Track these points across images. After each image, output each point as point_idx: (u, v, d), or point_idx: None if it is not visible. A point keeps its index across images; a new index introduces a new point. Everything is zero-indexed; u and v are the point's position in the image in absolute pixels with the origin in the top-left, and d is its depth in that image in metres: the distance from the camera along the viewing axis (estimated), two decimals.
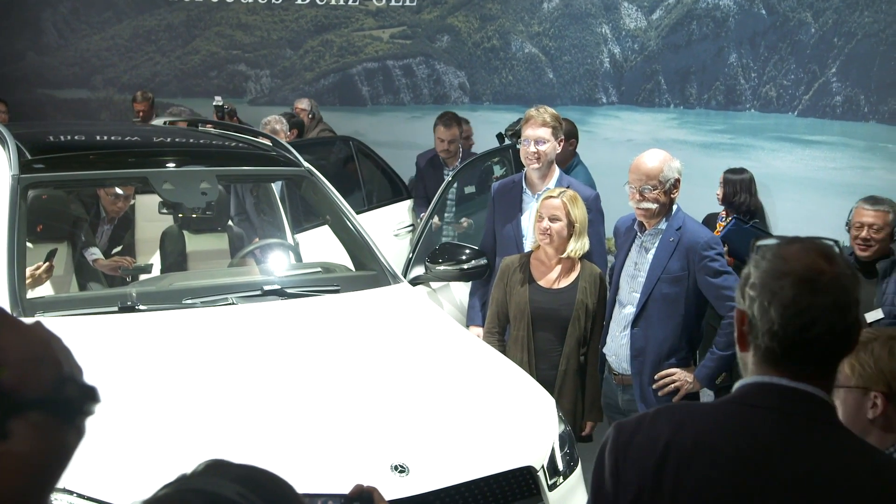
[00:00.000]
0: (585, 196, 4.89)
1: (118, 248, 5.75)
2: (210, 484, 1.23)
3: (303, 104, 8.92)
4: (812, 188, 5.77)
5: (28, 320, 1.25)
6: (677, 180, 4.11)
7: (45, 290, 4.65)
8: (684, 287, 4.12)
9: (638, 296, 4.20)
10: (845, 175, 5.76)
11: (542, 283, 4.48)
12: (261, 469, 1.31)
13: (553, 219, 4.39)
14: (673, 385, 4.17)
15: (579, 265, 4.49)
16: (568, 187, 4.90)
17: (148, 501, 1.22)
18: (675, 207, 4.18)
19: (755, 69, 6.40)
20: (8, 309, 3.78)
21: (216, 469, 1.28)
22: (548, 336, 4.45)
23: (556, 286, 4.47)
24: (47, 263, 4.53)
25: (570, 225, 4.39)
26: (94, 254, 5.34)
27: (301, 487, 2.24)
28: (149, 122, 8.30)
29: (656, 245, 4.16)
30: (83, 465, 2.89)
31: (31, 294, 4.14)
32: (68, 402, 1.18)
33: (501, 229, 4.96)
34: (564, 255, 4.43)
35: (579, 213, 4.41)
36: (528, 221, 4.91)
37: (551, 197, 4.43)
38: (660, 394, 4.17)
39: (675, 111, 7.07)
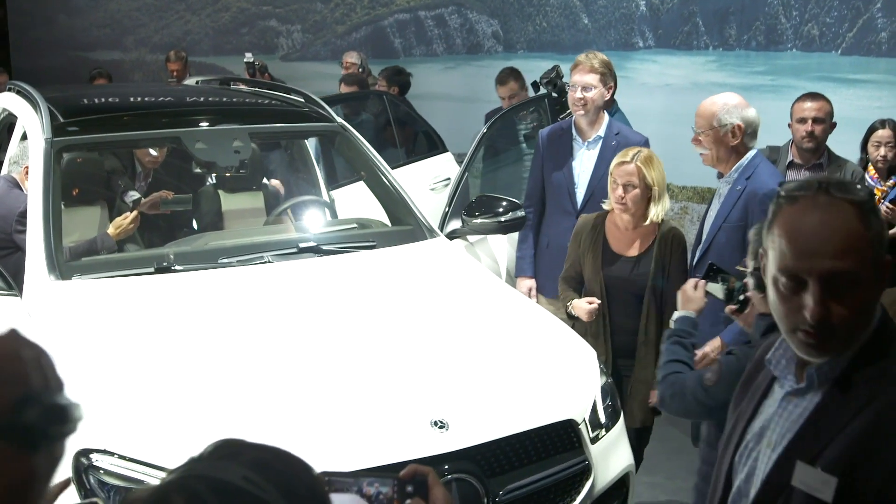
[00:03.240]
0: (635, 141, 4.79)
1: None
2: (216, 469, 1.18)
3: (352, 58, 8.81)
4: (858, 128, 5.60)
5: (0, 331, 1.19)
6: (737, 126, 3.90)
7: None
8: (742, 238, 3.88)
9: (701, 244, 4.10)
10: (891, 113, 5.58)
11: (615, 250, 4.23)
12: (276, 450, 1.24)
13: (628, 186, 4.07)
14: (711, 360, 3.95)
15: (659, 228, 4.18)
16: (618, 133, 4.82)
17: (153, 488, 1.18)
18: (750, 154, 3.98)
19: (796, 7, 6.22)
20: (45, 272, 3.79)
21: (225, 451, 1.22)
22: (623, 306, 4.20)
23: (630, 253, 4.21)
24: (134, 213, 4.54)
25: (648, 189, 4.06)
26: (132, 196, 5.36)
27: (339, 452, 2.21)
28: (182, 82, 8.26)
29: (726, 193, 4.02)
30: (122, 426, 2.91)
31: (70, 252, 4.16)
32: (28, 428, 1.11)
33: (551, 177, 4.88)
34: (647, 222, 4.12)
35: (656, 174, 4.07)
36: (579, 168, 4.86)
37: (624, 162, 4.09)
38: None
39: (713, 53, 6.91)
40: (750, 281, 2.86)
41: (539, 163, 4.97)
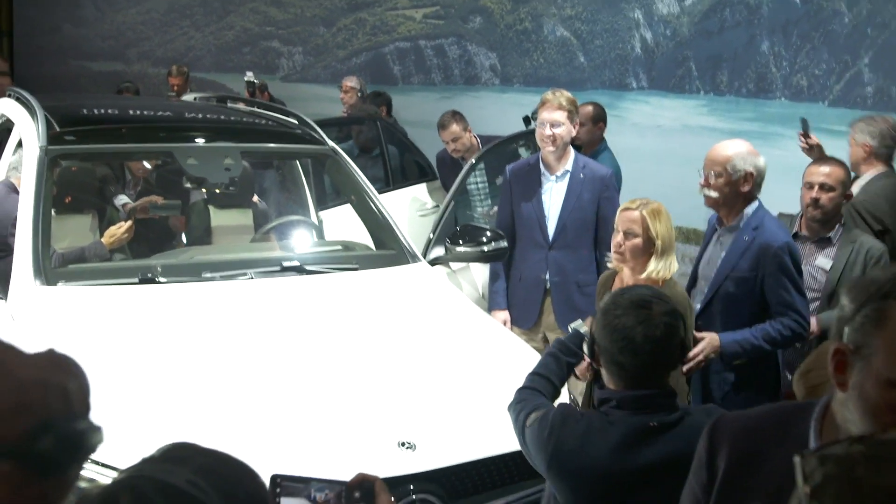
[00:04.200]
0: (601, 174, 4.97)
1: None
2: (163, 471, 1.26)
3: (351, 82, 8.91)
4: None
5: (40, 349, 1.22)
6: (749, 174, 3.92)
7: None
8: (751, 289, 3.94)
9: (706, 292, 4.09)
10: None
11: None
12: (223, 456, 1.32)
13: (629, 234, 3.88)
14: (701, 357, 3.85)
15: (663, 290, 3.84)
16: (584, 167, 4.95)
17: (103, 487, 1.25)
18: (754, 205, 4.00)
19: (787, 58, 6.35)
20: (31, 277, 3.85)
21: (175, 454, 1.30)
22: None
23: None
24: (129, 223, 4.60)
25: (650, 242, 3.85)
26: (122, 200, 5.42)
27: (304, 467, 2.27)
28: (182, 97, 8.35)
29: (731, 241, 4.02)
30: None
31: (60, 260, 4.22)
32: (41, 455, 1.16)
33: (521, 210, 5.00)
34: (643, 276, 3.88)
35: (662, 228, 3.86)
36: (549, 202, 4.99)
37: (629, 209, 3.93)
38: (685, 370, 3.82)
39: (705, 98, 7.02)
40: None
41: (508, 197, 5.11)
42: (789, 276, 3.91)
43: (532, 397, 2.82)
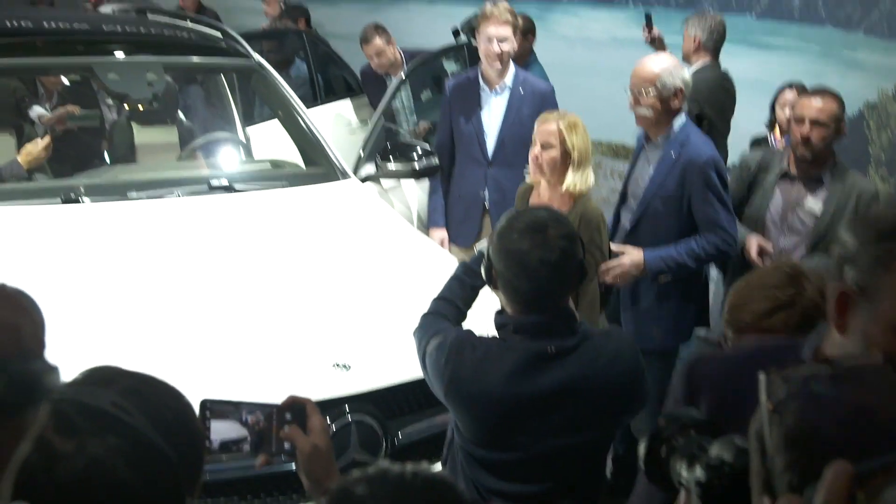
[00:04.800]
0: (541, 90, 4.90)
1: None
2: (86, 394, 1.25)
3: None
4: (768, 92, 5.75)
5: None
6: (679, 90, 3.92)
7: None
8: (678, 207, 3.98)
9: (635, 209, 4.12)
10: (800, 79, 5.73)
11: None
12: (147, 377, 1.32)
13: (546, 146, 3.92)
14: (620, 272, 3.95)
15: (576, 204, 3.93)
16: (524, 81, 4.89)
17: None
18: (680, 120, 4.00)
19: None
20: None
21: (98, 377, 1.29)
22: None
23: None
24: (46, 140, 4.43)
25: (566, 154, 3.89)
26: (37, 111, 5.25)
27: (237, 390, 2.26)
28: (98, 9, 8.04)
29: (658, 158, 4.03)
30: None
31: None
32: None
33: (460, 126, 4.92)
34: (563, 188, 3.92)
35: (578, 140, 3.90)
36: (488, 119, 4.90)
37: (547, 120, 3.97)
38: (608, 280, 3.96)
39: (634, 10, 6.99)
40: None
41: (447, 114, 5.02)
42: (715, 191, 3.93)
43: (435, 322, 2.74)
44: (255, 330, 3.17)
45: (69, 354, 2.86)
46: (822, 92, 4.12)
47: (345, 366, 3.07)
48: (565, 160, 3.91)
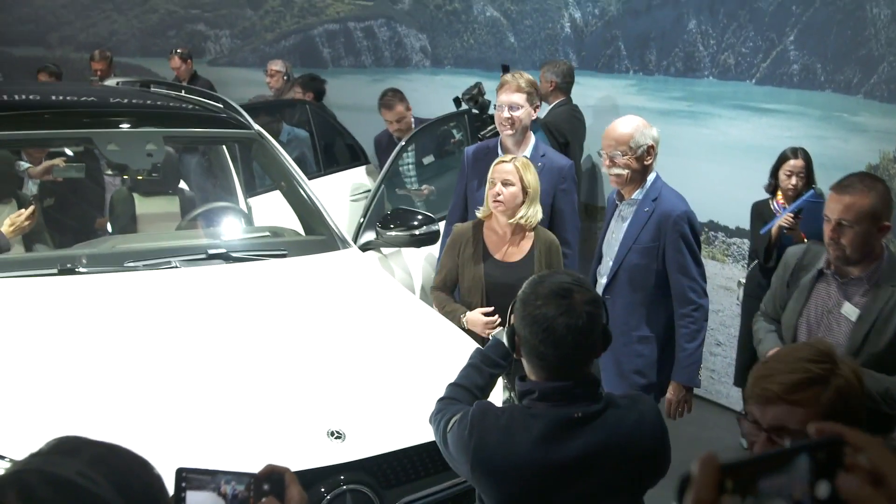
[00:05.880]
0: (560, 164, 4.85)
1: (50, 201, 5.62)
2: (51, 464, 1.22)
3: (277, 66, 8.82)
4: (768, 156, 5.74)
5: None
6: (650, 147, 4.05)
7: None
8: (654, 258, 4.08)
9: (611, 265, 4.19)
10: (801, 144, 5.73)
11: (496, 256, 4.32)
12: (114, 447, 1.29)
13: (506, 183, 4.22)
14: (678, 409, 4.20)
15: (533, 235, 4.33)
16: (543, 155, 4.86)
17: None
18: (652, 176, 4.12)
19: (714, 36, 6.36)
20: None
21: (64, 447, 1.26)
22: (503, 312, 4.29)
23: (511, 259, 4.32)
24: (30, 209, 4.43)
25: (524, 191, 4.23)
26: (23, 166, 5.27)
27: (231, 459, 2.21)
28: (105, 82, 8.16)
29: (632, 214, 4.13)
30: (9, 429, 2.86)
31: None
32: None
33: (475, 195, 4.89)
34: (513, 220, 4.24)
35: (532, 178, 4.24)
36: None
37: (503, 161, 4.28)
38: (673, 419, 4.18)
39: (634, 77, 7.02)
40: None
41: (463, 180, 5.00)
42: (687, 243, 4.06)
43: (451, 405, 2.70)
44: (249, 398, 3.12)
45: (54, 423, 2.83)
46: (852, 184, 3.43)
47: (339, 434, 3.02)
48: (523, 196, 4.23)
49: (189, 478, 1.63)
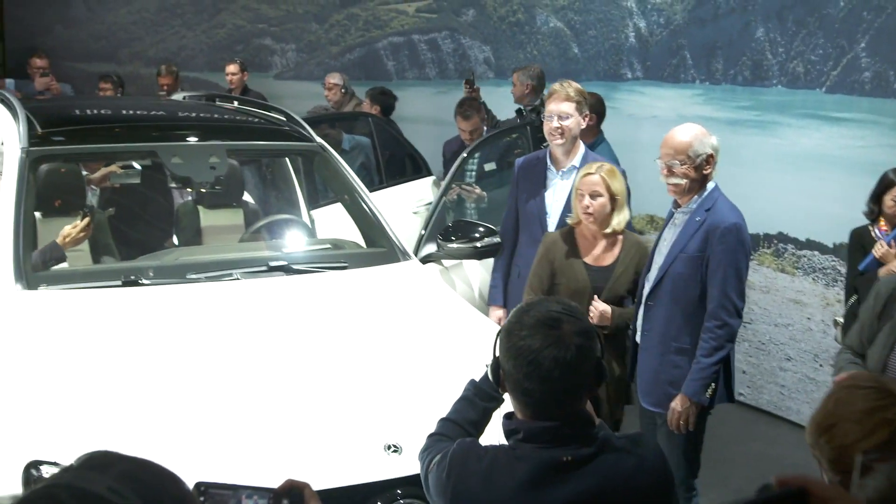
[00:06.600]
0: None
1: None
2: (82, 479, 1.22)
3: (334, 79, 8.87)
4: (840, 166, 5.63)
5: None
6: (710, 156, 3.97)
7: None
8: (699, 269, 3.99)
9: (657, 271, 4.13)
10: (873, 153, 5.59)
11: (588, 260, 4.41)
12: (145, 462, 1.29)
13: (594, 195, 4.31)
14: (680, 420, 4.04)
15: (622, 238, 4.43)
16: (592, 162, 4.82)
17: (19, 498, 1.21)
18: (710, 186, 4.04)
19: (782, 44, 6.24)
20: (12, 281, 3.78)
21: (95, 462, 1.26)
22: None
23: (603, 263, 4.40)
24: (85, 221, 4.49)
25: (612, 199, 4.32)
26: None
27: (289, 473, 2.22)
28: (171, 96, 8.29)
29: (684, 223, 4.06)
30: (73, 438, 2.89)
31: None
32: None
33: (524, 206, 4.88)
34: (609, 230, 4.37)
35: (618, 185, 4.34)
36: (552, 198, 4.84)
37: (589, 174, 4.35)
38: (675, 430, 4.07)
39: (700, 87, 6.92)
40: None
41: (514, 192, 4.98)
42: (731, 257, 3.95)
43: (438, 444, 2.44)
44: (307, 411, 3.12)
45: (110, 435, 2.86)
46: None
47: (397, 448, 3.00)
48: (612, 205, 4.33)
49: (209, 492, 1.63)
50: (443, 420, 2.57)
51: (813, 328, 6.18)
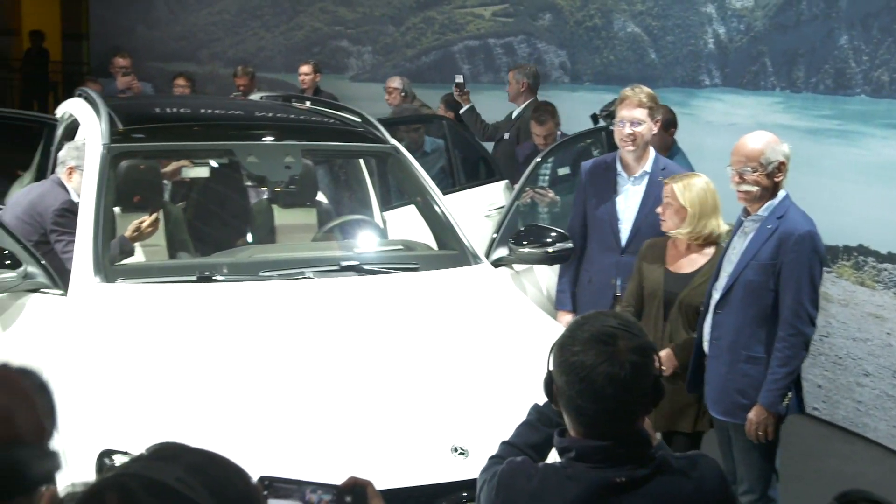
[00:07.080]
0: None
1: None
2: (151, 469, 1.24)
3: (395, 83, 8.89)
4: None
5: None
6: (782, 164, 3.91)
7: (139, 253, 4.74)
8: (771, 277, 3.93)
9: (727, 279, 4.06)
10: None
11: (670, 266, 4.38)
12: (213, 455, 1.31)
13: (667, 205, 4.33)
14: (758, 431, 3.96)
15: (714, 249, 4.34)
16: (664, 169, 4.77)
17: (90, 484, 1.23)
18: (781, 194, 3.97)
19: (867, 52, 6.09)
20: (91, 274, 3.87)
21: (165, 453, 1.29)
22: (679, 321, 4.33)
23: (683, 270, 4.35)
24: (153, 216, 4.58)
25: (682, 208, 4.26)
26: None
27: (357, 472, 2.25)
28: (248, 97, 8.41)
29: (755, 231, 4.00)
30: (145, 428, 2.94)
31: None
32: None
33: (594, 211, 4.83)
34: (674, 233, 4.33)
35: (691, 197, 4.25)
36: (623, 204, 4.79)
37: (667, 183, 4.38)
38: (755, 441, 4.00)
39: (780, 95, 6.79)
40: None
41: (581, 197, 4.93)
42: (806, 265, 3.89)
43: (496, 466, 2.34)
44: (374, 411, 3.14)
45: (182, 428, 2.90)
46: None
47: (463, 451, 2.99)
48: (680, 214, 4.28)
49: (273, 486, 1.65)
50: (504, 443, 2.51)
51: (893, 343, 6.02)
